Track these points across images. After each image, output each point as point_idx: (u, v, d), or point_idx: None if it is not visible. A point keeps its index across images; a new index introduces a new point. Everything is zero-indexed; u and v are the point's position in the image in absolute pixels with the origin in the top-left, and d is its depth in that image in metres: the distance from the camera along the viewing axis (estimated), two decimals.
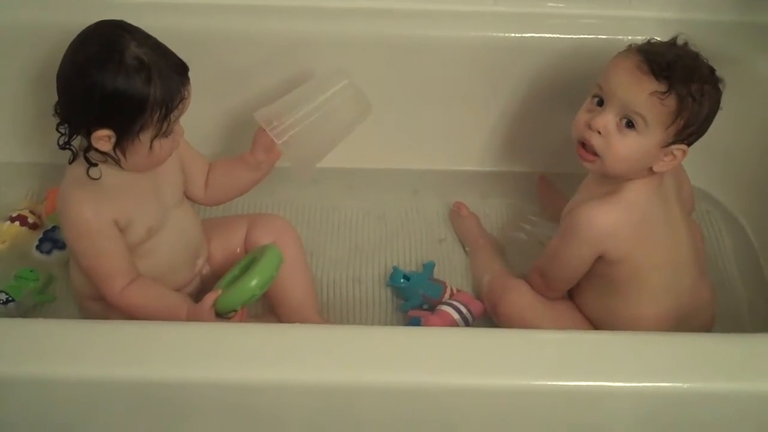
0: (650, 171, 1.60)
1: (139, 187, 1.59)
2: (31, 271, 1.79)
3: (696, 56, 1.59)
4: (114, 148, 1.51)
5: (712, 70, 1.58)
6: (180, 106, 1.51)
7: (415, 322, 1.74)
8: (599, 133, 1.58)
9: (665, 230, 1.65)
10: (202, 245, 1.76)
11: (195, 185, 1.74)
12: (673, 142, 1.57)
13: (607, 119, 1.57)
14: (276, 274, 1.59)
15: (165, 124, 1.50)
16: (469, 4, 1.92)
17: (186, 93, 1.52)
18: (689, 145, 1.59)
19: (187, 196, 1.74)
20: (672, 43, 1.61)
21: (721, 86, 1.58)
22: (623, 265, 1.63)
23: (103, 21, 1.52)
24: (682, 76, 1.53)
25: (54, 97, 1.52)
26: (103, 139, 1.49)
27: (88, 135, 1.50)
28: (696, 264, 1.70)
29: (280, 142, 1.64)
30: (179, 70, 1.51)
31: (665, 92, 1.53)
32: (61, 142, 1.54)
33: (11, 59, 1.88)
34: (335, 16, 1.91)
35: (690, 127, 1.56)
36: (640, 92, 1.54)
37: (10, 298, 1.74)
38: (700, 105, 1.55)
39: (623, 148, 1.57)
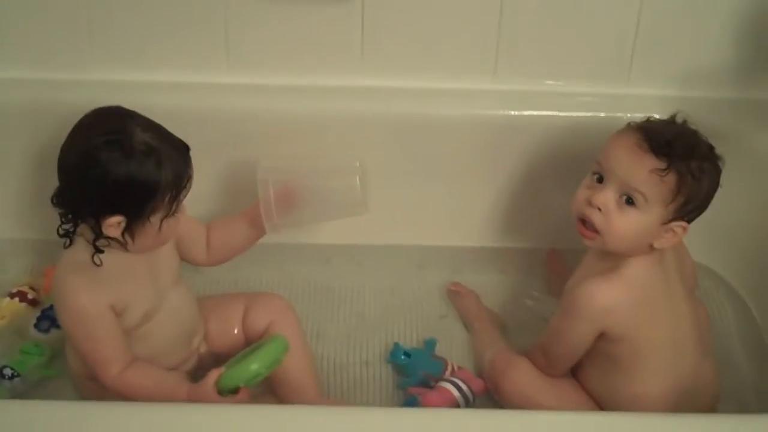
0: (651, 248, 1.60)
1: (135, 271, 1.59)
2: (36, 345, 1.78)
3: (695, 134, 1.60)
4: (123, 233, 1.51)
5: (711, 148, 1.59)
6: (188, 185, 1.53)
7: (413, 401, 1.72)
8: (599, 210, 1.58)
9: (666, 307, 1.64)
10: (198, 324, 1.75)
11: (196, 250, 1.75)
12: (674, 219, 1.57)
13: (607, 196, 1.57)
14: (281, 359, 1.58)
15: (175, 204, 1.52)
16: (469, 82, 1.93)
17: (191, 171, 1.53)
18: (689, 222, 1.59)
19: (190, 262, 1.75)
20: (671, 120, 1.62)
21: (720, 163, 1.59)
22: (624, 343, 1.62)
23: (102, 108, 1.54)
24: (682, 153, 1.54)
25: (53, 174, 1.52)
26: (114, 225, 1.50)
27: (97, 223, 1.50)
28: (699, 342, 1.69)
29: (269, 232, 1.71)
30: (183, 150, 1.53)
31: (665, 169, 1.53)
32: (62, 231, 1.54)
33: (12, 138, 1.89)
34: (339, 95, 1.92)
35: (690, 204, 1.56)
36: (640, 170, 1.54)
37: (16, 373, 1.73)
38: (700, 182, 1.55)
39: (623, 224, 1.57)
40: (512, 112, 1.92)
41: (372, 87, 1.93)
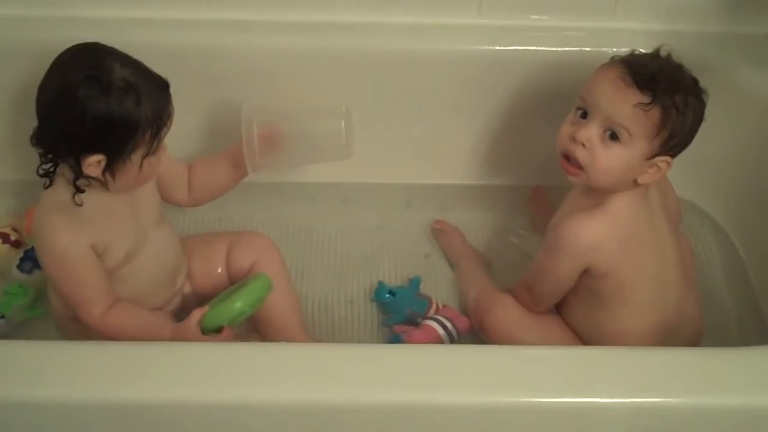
0: (635, 183, 1.60)
1: (116, 211, 1.58)
2: (20, 286, 1.78)
3: (679, 67, 1.58)
4: (103, 172, 1.50)
5: (695, 81, 1.58)
6: (168, 122, 1.51)
7: (398, 339, 1.73)
8: (583, 145, 1.57)
9: (651, 243, 1.64)
10: (181, 264, 1.74)
11: (177, 191, 1.74)
12: (658, 154, 1.56)
13: (591, 131, 1.56)
14: (265, 297, 1.58)
15: (155, 142, 1.50)
16: (453, 17, 1.91)
17: (171, 108, 1.52)
18: (674, 156, 1.59)
19: (171, 202, 1.74)
20: (655, 54, 1.60)
21: (704, 97, 1.58)
22: (609, 279, 1.63)
23: (79, 45, 1.52)
24: (666, 87, 1.53)
25: (32, 113, 1.50)
26: (94, 164, 1.48)
27: (77, 162, 1.48)
28: (683, 277, 1.69)
29: (250, 173, 1.69)
30: (162, 86, 1.51)
31: (649, 104, 1.52)
32: (42, 171, 1.53)
33: None
34: (322, 31, 1.90)
35: (674, 138, 1.55)
36: (624, 104, 1.53)
37: (0, 314, 1.73)
38: (684, 116, 1.54)
39: (607, 160, 1.56)
40: (497, 47, 1.90)
41: (355, 23, 1.91)
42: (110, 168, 1.50)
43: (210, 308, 1.56)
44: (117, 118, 1.45)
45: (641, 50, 1.62)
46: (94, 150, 1.47)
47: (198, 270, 1.76)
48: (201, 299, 1.68)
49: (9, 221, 1.92)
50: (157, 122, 1.49)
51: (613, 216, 1.61)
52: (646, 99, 1.52)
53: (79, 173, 1.50)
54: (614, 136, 1.55)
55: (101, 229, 1.56)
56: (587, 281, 1.65)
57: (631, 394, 1.35)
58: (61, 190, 1.53)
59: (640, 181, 1.59)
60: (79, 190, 1.51)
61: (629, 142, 1.55)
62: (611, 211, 1.61)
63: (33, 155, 1.53)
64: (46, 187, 1.55)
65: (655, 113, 1.52)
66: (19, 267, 1.82)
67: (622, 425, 1.37)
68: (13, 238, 1.87)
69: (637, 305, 1.64)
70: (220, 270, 1.76)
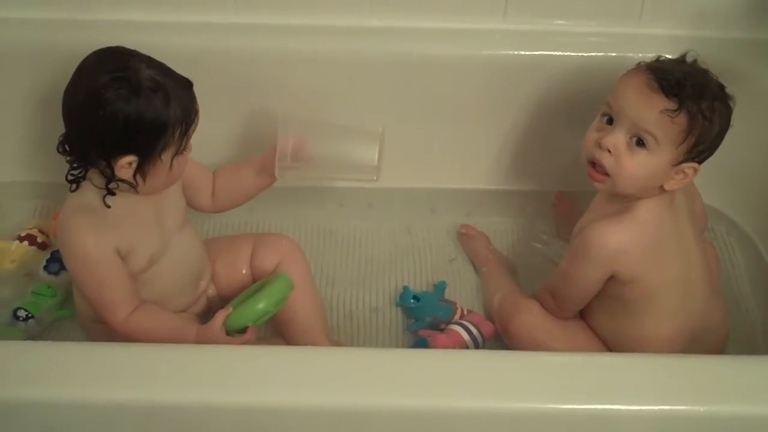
0: (661, 189, 1.59)
1: (141, 214, 1.59)
2: (49, 287, 1.80)
3: (705, 73, 1.57)
4: (134, 174, 1.51)
5: (722, 87, 1.57)
6: (195, 120, 1.53)
7: (422, 343, 1.73)
8: (609, 152, 1.57)
9: (677, 249, 1.64)
10: (205, 267, 1.75)
11: (202, 196, 1.75)
12: (684, 161, 1.56)
13: (618, 138, 1.56)
14: (287, 295, 1.59)
15: (184, 141, 1.52)
16: (479, 22, 1.91)
17: (197, 106, 1.53)
18: (700, 163, 1.58)
19: (195, 208, 1.75)
20: (681, 60, 1.60)
21: (731, 103, 1.57)
22: (634, 285, 1.62)
23: (102, 49, 1.53)
24: (692, 93, 1.52)
25: (60, 115, 1.51)
26: (126, 166, 1.49)
27: (108, 165, 1.49)
28: (708, 283, 1.69)
29: (277, 176, 1.69)
30: (187, 85, 1.53)
31: (676, 110, 1.51)
32: (71, 177, 1.53)
33: (17, 80, 1.88)
34: (348, 36, 1.90)
35: (701, 144, 1.55)
36: (651, 110, 1.53)
37: (30, 315, 1.75)
38: (711, 122, 1.54)
39: (634, 166, 1.56)
40: (523, 52, 1.90)
41: (382, 27, 1.91)
42: (141, 169, 1.51)
43: (233, 309, 1.57)
44: (148, 117, 1.46)
45: (667, 56, 1.62)
46: (125, 151, 1.48)
47: (222, 272, 1.77)
48: (225, 301, 1.67)
49: (35, 223, 1.93)
50: (186, 120, 1.50)
51: (639, 222, 1.60)
52: (672, 105, 1.52)
53: (111, 176, 1.50)
54: (640, 143, 1.55)
55: (126, 232, 1.56)
56: (612, 287, 1.64)
57: (656, 401, 1.34)
58: (87, 193, 1.54)
59: (666, 187, 1.58)
60: (110, 193, 1.52)
61: (655, 149, 1.54)
62: (637, 217, 1.60)
63: (59, 157, 1.54)
64: (72, 191, 1.55)
65: (682, 119, 1.52)
66: (45, 268, 1.83)
67: None
68: (39, 240, 1.89)
69: (663, 311, 1.63)
70: (244, 271, 1.77)
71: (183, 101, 1.50)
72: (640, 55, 1.66)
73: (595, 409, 1.34)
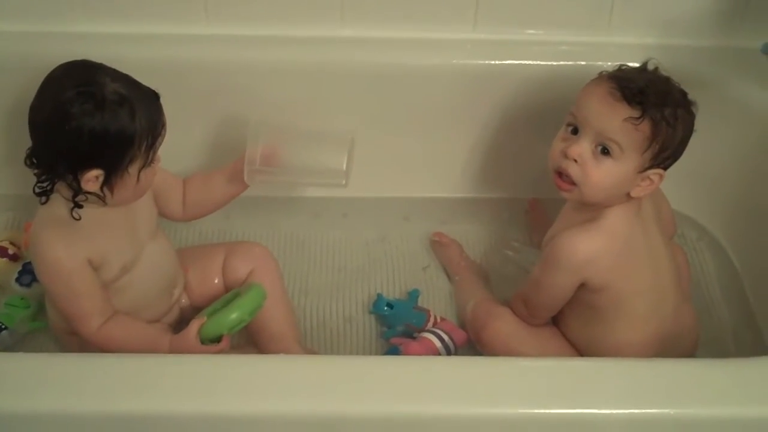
0: (628, 197, 1.60)
1: (113, 225, 1.59)
2: (22, 298, 1.79)
3: (667, 80, 1.59)
4: (101, 187, 1.50)
5: (684, 94, 1.58)
6: (162, 133, 1.52)
7: (395, 351, 1.73)
8: (575, 161, 1.58)
9: (646, 255, 1.65)
10: (178, 275, 1.75)
11: (172, 205, 1.74)
12: (650, 167, 1.57)
13: (583, 147, 1.57)
14: (262, 304, 1.60)
15: (151, 153, 1.51)
16: (449, 32, 1.92)
17: (164, 119, 1.53)
18: (665, 169, 1.59)
19: (166, 216, 1.74)
20: (643, 68, 1.61)
21: (693, 109, 1.58)
22: (605, 292, 1.63)
23: (68, 63, 1.52)
24: (655, 100, 1.53)
25: (27, 129, 1.51)
26: (92, 179, 1.48)
27: (75, 178, 1.48)
28: (678, 288, 1.70)
29: (246, 180, 1.69)
30: (154, 98, 1.52)
31: (639, 117, 1.53)
32: (38, 189, 1.52)
33: None
34: (319, 46, 1.91)
35: (665, 151, 1.56)
36: (614, 119, 1.54)
37: (3, 326, 1.74)
38: (674, 129, 1.55)
39: (600, 175, 1.57)
40: (493, 62, 1.92)
41: (352, 37, 1.92)
42: (108, 182, 1.50)
43: (207, 318, 1.57)
44: (113, 131, 1.45)
45: (629, 64, 1.63)
46: (91, 165, 1.47)
47: (195, 281, 1.77)
48: (198, 311, 1.68)
49: (7, 235, 1.92)
50: (152, 133, 1.50)
51: (607, 230, 1.61)
52: (635, 113, 1.53)
53: (78, 190, 1.50)
54: (605, 151, 1.56)
55: (97, 242, 1.56)
56: (584, 295, 1.65)
57: (627, 405, 1.35)
58: (58, 205, 1.54)
59: (633, 194, 1.59)
60: (77, 206, 1.51)
61: (620, 157, 1.55)
62: (605, 225, 1.61)
63: (28, 170, 1.53)
64: (43, 204, 1.55)
65: (645, 127, 1.53)
66: (17, 280, 1.82)
67: None
68: (11, 251, 1.87)
69: (634, 318, 1.64)
70: (216, 281, 1.77)
71: (149, 114, 1.49)
72: (609, 63, 1.67)
73: (568, 413, 1.35)
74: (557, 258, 1.62)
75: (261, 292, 1.60)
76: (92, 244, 1.55)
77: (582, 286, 1.64)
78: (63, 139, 1.45)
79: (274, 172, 1.71)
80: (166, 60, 1.85)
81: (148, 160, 1.52)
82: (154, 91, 1.52)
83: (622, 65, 1.62)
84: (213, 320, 1.56)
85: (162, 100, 1.53)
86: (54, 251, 1.53)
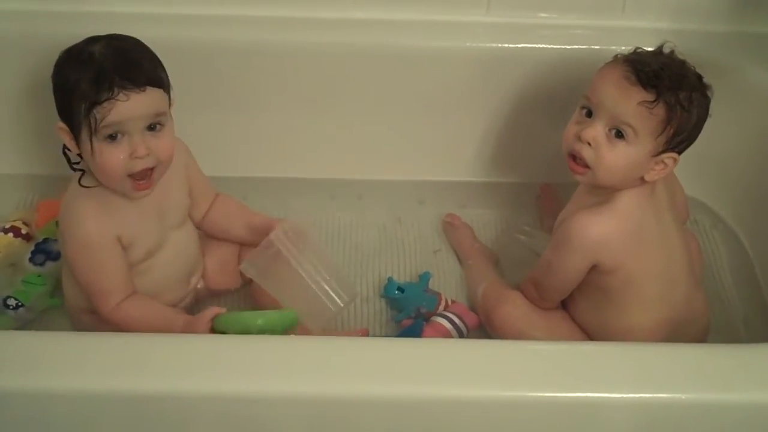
0: (642, 180, 1.60)
1: (144, 208, 1.59)
2: (39, 276, 1.80)
3: (683, 64, 1.58)
4: (79, 154, 1.52)
5: (699, 78, 1.58)
6: (106, 105, 1.45)
7: (407, 333, 1.73)
8: (589, 144, 1.57)
9: (658, 239, 1.64)
10: (198, 263, 1.76)
11: (196, 210, 1.75)
12: (664, 151, 1.57)
13: (597, 130, 1.57)
14: (287, 329, 1.55)
15: (92, 121, 1.46)
16: (463, 15, 1.92)
17: (121, 96, 1.45)
18: (680, 153, 1.59)
19: (189, 216, 1.74)
20: (658, 51, 1.60)
21: (709, 93, 1.57)
22: (616, 275, 1.63)
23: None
24: (670, 84, 1.53)
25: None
26: (64, 132, 1.50)
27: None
28: (690, 274, 1.69)
29: (243, 270, 1.63)
30: (127, 74, 1.46)
31: (653, 101, 1.52)
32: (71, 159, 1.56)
33: (2, 72, 1.87)
34: (332, 28, 1.91)
35: (680, 135, 1.56)
36: (629, 102, 1.53)
37: (20, 303, 1.75)
38: (689, 113, 1.54)
39: (614, 158, 1.56)
40: (505, 45, 1.91)
41: (364, 19, 1.92)
42: (79, 146, 1.50)
43: (227, 312, 1.55)
44: (62, 79, 1.48)
45: (644, 48, 1.63)
46: (60, 116, 1.50)
47: (212, 265, 1.78)
48: (213, 295, 1.68)
49: (19, 215, 1.93)
50: (90, 98, 1.45)
51: (620, 213, 1.61)
52: (650, 97, 1.52)
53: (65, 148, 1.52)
54: (620, 135, 1.55)
55: (128, 223, 1.57)
56: (595, 278, 1.65)
57: (637, 389, 1.35)
58: (91, 180, 1.55)
59: (646, 178, 1.59)
60: (73, 169, 1.53)
61: (635, 140, 1.55)
62: (618, 208, 1.61)
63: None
64: (80, 179, 1.56)
65: (660, 110, 1.53)
66: (31, 260, 1.83)
67: (628, 421, 1.37)
68: (24, 231, 1.88)
69: (645, 302, 1.64)
70: (233, 267, 1.77)
71: (101, 80, 1.45)
72: (623, 47, 1.65)
73: (578, 396, 1.35)
74: (569, 239, 1.62)
75: (293, 317, 1.56)
76: (123, 223, 1.56)
77: (593, 269, 1.63)
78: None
79: (271, 280, 1.63)
80: (177, 41, 1.84)
81: (93, 129, 1.46)
82: (137, 71, 1.47)
83: (637, 48, 1.62)
84: (232, 315, 1.54)
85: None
86: (85, 222, 1.54)
